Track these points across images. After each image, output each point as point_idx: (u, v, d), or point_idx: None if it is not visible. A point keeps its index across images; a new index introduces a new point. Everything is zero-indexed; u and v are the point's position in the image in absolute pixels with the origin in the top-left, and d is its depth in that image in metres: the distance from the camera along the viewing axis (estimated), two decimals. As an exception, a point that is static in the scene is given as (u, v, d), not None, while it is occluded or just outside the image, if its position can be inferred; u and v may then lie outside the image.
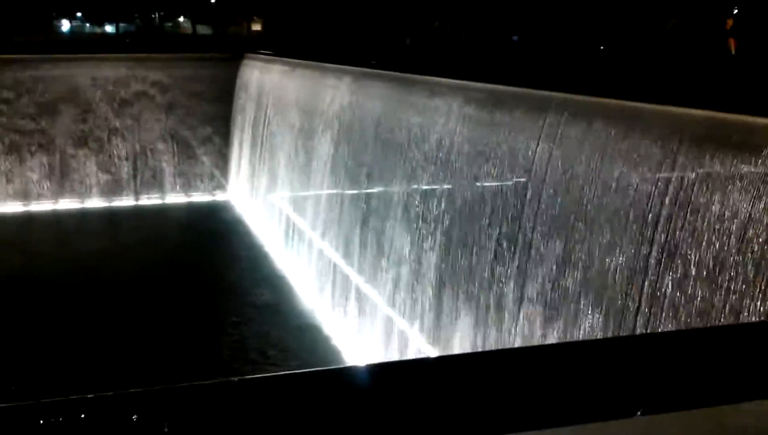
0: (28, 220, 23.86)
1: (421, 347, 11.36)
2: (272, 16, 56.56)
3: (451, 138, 11.10)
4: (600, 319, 7.39)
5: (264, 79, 22.99)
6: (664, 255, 6.58)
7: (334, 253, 15.33)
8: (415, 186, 12.07)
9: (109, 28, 66.58)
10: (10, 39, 38.96)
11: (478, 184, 10.18)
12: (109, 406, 2.06)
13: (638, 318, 6.80)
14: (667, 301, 6.49)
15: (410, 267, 11.85)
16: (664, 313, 6.51)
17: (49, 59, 25.29)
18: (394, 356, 12.15)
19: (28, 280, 18.24)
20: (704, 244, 6.20)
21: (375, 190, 13.79)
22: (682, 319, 6.33)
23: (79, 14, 67.77)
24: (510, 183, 9.37)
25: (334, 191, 15.77)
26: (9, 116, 24.45)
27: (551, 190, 8.46)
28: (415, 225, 11.87)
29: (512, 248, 9.06)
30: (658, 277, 6.61)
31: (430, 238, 11.32)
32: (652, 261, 6.70)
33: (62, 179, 24.97)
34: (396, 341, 12.28)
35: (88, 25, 68.91)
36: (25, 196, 24.69)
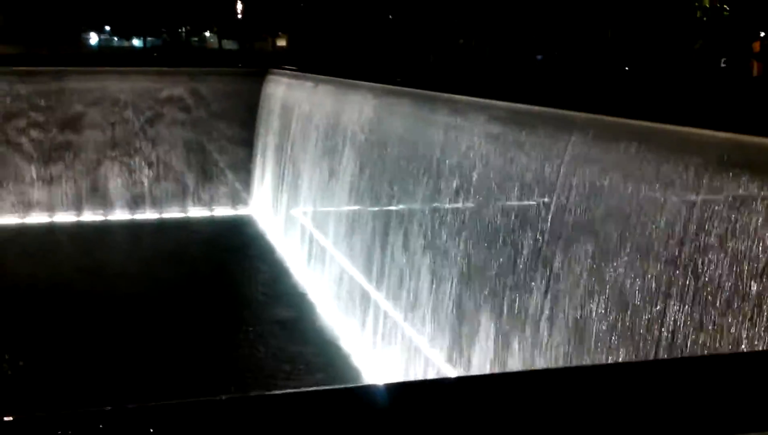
0: (52, 231, 24.05)
1: (441, 368, 11.30)
2: (297, 32, 56.97)
3: (474, 157, 11.09)
4: (625, 345, 7.33)
5: (288, 95, 23.09)
6: (689, 278, 6.51)
7: (355, 271, 15.32)
8: (438, 204, 12.04)
9: (136, 42, 67.36)
10: (38, 51, 39.46)
11: (500, 203, 10.15)
12: (127, 419, 2.05)
13: (661, 344, 6.73)
14: (690, 326, 6.42)
15: (432, 285, 11.81)
16: (687, 340, 6.44)
17: (75, 71, 25.55)
18: (413, 377, 12.10)
19: (50, 289, 18.37)
20: (730, 267, 6.14)
21: (398, 207, 13.78)
22: (704, 344, 6.26)
23: (107, 28, 68.60)
24: (533, 203, 9.34)
25: (357, 208, 15.77)
26: (34, 128, 24.68)
27: (575, 212, 8.42)
28: (437, 242, 11.84)
29: (535, 267, 9.01)
30: (683, 301, 6.54)
31: (452, 256, 11.28)
32: (677, 285, 6.63)
33: (86, 191, 25.14)
34: (415, 361, 12.23)
35: (115, 39, 69.74)
36: (49, 207, 24.88)
